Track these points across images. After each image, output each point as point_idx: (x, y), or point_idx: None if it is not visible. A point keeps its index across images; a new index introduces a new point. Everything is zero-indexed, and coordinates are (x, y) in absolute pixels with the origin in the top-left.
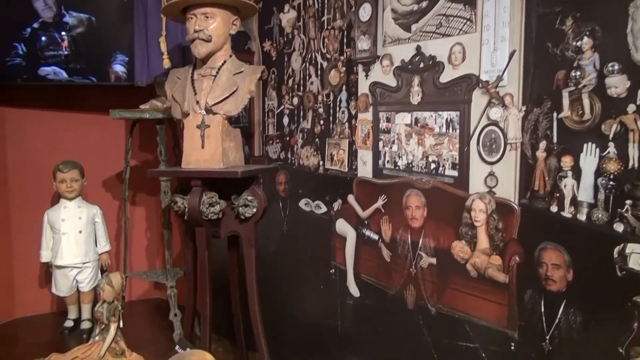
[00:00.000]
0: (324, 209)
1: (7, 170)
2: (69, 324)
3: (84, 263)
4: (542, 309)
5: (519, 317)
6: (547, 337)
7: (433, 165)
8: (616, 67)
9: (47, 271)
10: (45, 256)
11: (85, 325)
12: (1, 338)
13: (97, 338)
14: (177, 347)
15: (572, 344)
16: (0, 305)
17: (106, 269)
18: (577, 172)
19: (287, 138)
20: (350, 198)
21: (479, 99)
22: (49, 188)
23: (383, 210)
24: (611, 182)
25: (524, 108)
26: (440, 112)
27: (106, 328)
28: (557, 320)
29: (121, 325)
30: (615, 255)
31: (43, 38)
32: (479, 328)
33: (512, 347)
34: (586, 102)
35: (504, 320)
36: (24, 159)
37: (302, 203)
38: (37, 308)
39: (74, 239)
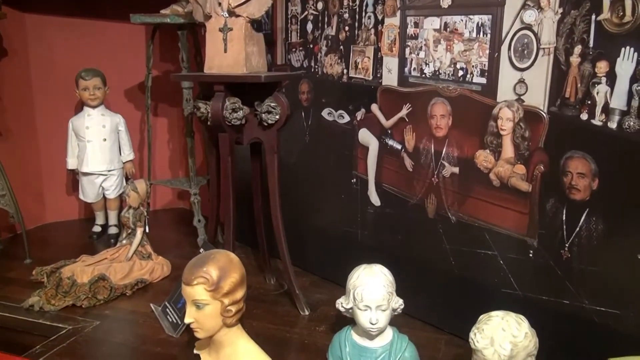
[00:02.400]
0: (346, 118)
1: (31, 77)
2: (96, 229)
3: (109, 171)
4: (564, 218)
5: (539, 225)
6: (567, 245)
7: (461, 73)
8: None
9: (74, 178)
10: (71, 163)
11: (112, 230)
12: (34, 241)
13: (124, 242)
14: (201, 250)
15: (591, 251)
16: (31, 210)
17: (130, 178)
18: (611, 78)
19: (311, 45)
20: (374, 107)
21: (513, 1)
22: (72, 96)
23: (407, 120)
24: None
25: (560, 10)
26: (471, 16)
27: (133, 233)
28: (577, 229)
29: (147, 230)
30: None
31: None
32: (498, 236)
33: (531, 255)
34: (628, 2)
35: (523, 228)
36: (47, 67)
37: (324, 112)
38: (66, 214)
39: (98, 146)
